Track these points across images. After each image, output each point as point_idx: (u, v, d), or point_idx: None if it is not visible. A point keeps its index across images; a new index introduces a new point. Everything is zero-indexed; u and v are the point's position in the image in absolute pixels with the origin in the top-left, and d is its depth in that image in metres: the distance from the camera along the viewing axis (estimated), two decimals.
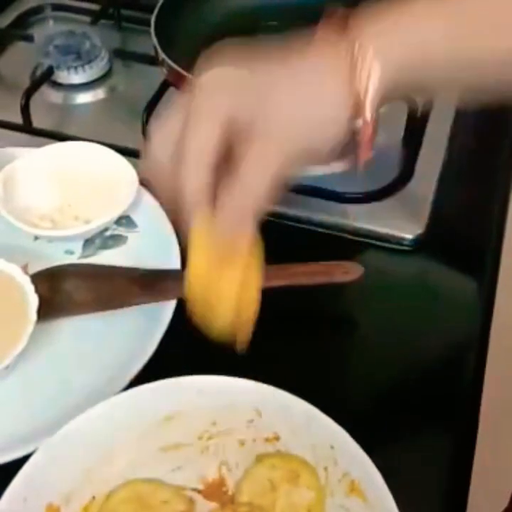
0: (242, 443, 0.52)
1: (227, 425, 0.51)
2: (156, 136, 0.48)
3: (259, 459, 0.51)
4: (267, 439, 0.51)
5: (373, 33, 0.45)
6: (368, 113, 0.45)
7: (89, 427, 0.49)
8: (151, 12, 0.79)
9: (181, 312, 0.62)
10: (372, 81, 0.44)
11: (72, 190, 0.71)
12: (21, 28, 0.98)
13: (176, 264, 0.65)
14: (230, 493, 0.51)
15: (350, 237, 0.69)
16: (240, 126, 0.45)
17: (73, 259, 0.68)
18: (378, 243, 0.70)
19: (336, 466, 0.48)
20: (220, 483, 0.52)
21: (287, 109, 0.45)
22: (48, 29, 0.97)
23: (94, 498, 0.50)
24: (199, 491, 0.51)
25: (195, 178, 0.46)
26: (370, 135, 0.45)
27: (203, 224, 0.48)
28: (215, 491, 0.51)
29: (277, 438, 0.51)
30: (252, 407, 0.50)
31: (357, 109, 0.45)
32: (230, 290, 0.49)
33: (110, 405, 0.50)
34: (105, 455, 0.50)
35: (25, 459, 0.48)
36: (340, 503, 0.48)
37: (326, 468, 0.49)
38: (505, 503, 0.98)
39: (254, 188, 0.45)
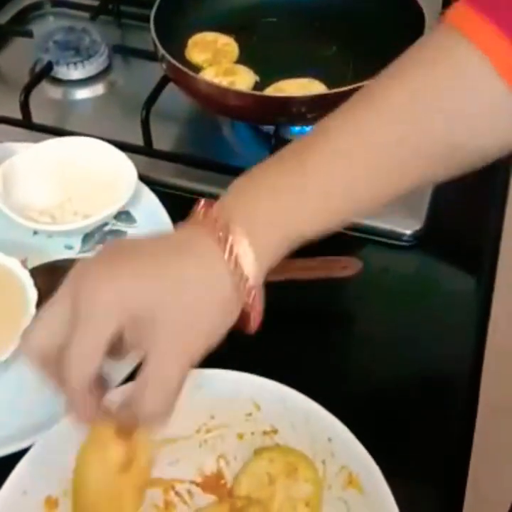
0: (240, 436, 0.52)
1: (226, 418, 0.52)
2: (36, 332, 0.44)
3: (258, 452, 0.52)
4: (265, 433, 0.51)
5: (242, 219, 0.44)
6: (251, 297, 0.44)
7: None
8: (150, 8, 0.79)
9: None
10: (249, 269, 0.43)
11: (72, 185, 0.71)
12: (21, 24, 0.98)
13: None
14: (228, 486, 0.52)
15: (349, 232, 0.70)
16: (131, 332, 0.43)
17: (72, 254, 0.68)
18: (377, 238, 0.70)
19: (334, 459, 0.49)
20: (218, 476, 0.52)
21: (181, 324, 0.43)
22: (48, 25, 0.97)
23: None
24: (197, 484, 0.52)
25: (82, 403, 0.44)
26: (258, 310, 0.45)
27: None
28: (213, 483, 0.52)
29: (275, 431, 0.51)
30: (251, 400, 0.51)
31: (241, 293, 0.44)
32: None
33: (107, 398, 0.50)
34: None
35: (23, 452, 0.49)
36: (338, 495, 0.48)
37: (323, 461, 0.49)
38: (505, 502, 0.98)
39: (157, 413, 0.44)
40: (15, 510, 0.47)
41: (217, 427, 0.52)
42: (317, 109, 0.72)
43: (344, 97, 0.70)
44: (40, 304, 0.59)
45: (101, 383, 0.45)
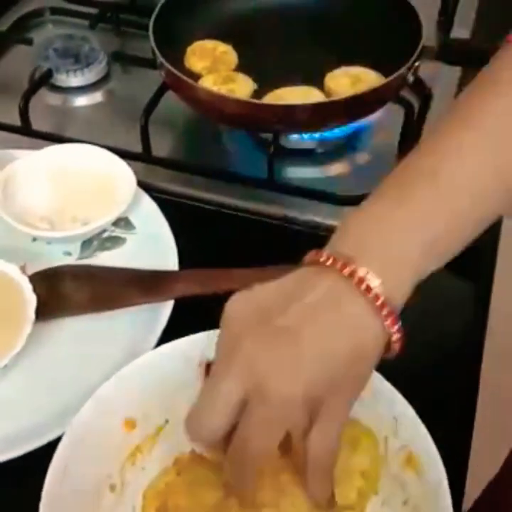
0: None
1: None
2: (210, 411, 0.44)
3: None
4: None
5: (380, 267, 0.44)
6: (398, 335, 0.44)
7: (169, 360, 0.52)
8: (149, 16, 0.79)
9: (179, 313, 0.62)
10: (392, 316, 0.43)
11: (71, 191, 0.71)
12: (20, 31, 0.98)
13: (173, 265, 0.66)
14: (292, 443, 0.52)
15: None
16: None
17: (71, 260, 0.69)
18: None
19: (396, 437, 0.49)
20: (287, 436, 0.52)
21: (347, 387, 0.44)
22: (47, 32, 0.98)
23: (167, 421, 0.53)
24: None
25: (250, 484, 0.46)
26: (402, 343, 0.45)
27: None
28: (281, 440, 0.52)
29: None
30: None
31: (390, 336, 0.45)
32: None
33: (197, 342, 0.52)
34: (183, 386, 0.51)
35: (26, 455, 0.49)
36: (395, 473, 0.49)
37: (386, 438, 0.50)
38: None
39: (326, 466, 0.46)
40: (96, 424, 0.49)
41: None
42: (316, 116, 0.72)
43: (342, 105, 0.71)
44: (38, 309, 0.59)
45: None
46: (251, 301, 0.45)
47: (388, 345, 0.45)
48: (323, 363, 0.43)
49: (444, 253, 0.47)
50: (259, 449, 0.44)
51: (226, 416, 0.43)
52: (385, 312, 0.43)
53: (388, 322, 0.43)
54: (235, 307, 0.45)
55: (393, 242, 0.45)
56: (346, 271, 0.43)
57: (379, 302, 0.43)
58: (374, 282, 0.43)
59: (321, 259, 0.45)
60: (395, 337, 0.44)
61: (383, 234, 0.45)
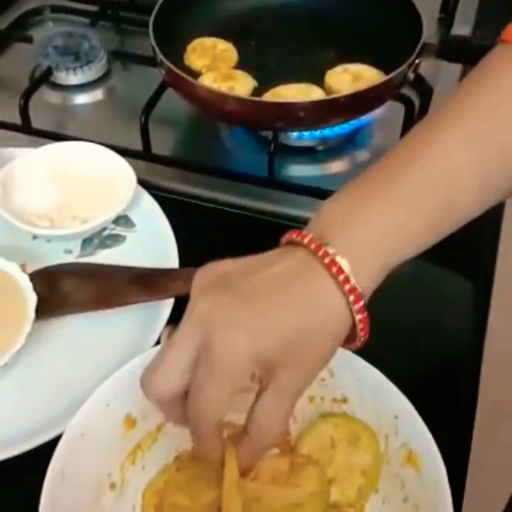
0: (311, 399, 0.53)
1: None
2: (163, 367, 0.44)
3: (324, 416, 0.53)
4: (335, 400, 0.52)
5: (346, 246, 0.44)
6: (362, 319, 0.44)
7: None
8: (149, 14, 0.79)
9: (179, 310, 0.62)
10: (363, 293, 0.44)
11: (71, 189, 0.71)
12: (20, 29, 0.98)
13: (173, 263, 0.66)
14: (292, 443, 0.53)
15: None
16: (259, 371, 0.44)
17: (71, 259, 0.68)
18: None
19: (397, 436, 0.49)
20: (285, 432, 0.53)
21: (304, 356, 0.44)
22: (47, 30, 0.97)
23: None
24: None
25: (210, 445, 0.46)
26: (365, 327, 0.45)
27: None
28: None
29: (345, 400, 0.52)
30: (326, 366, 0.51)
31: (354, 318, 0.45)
32: None
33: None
34: None
35: (27, 453, 0.49)
36: (396, 471, 0.49)
37: (386, 437, 0.50)
38: (502, 504, 0.98)
39: (270, 441, 0.46)
40: (96, 421, 0.49)
41: None
42: (315, 114, 0.72)
43: (342, 102, 0.71)
44: (39, 308, 0.59)
45: None
46: (218, 268, 0.46)
47: (354, 329, 0.45)
48: (276, 328, 0.43)
49: (420, 241, 0.47)
50: (210, 404, 0.43)
51: (179, 372, 0.43)
52: (347, 287, 0.43)
53: (351, 299, 0.43)
54: (201, 274, 0.46)
55: (365, 224, 0.45)
56: (313, 246, 0.44)
57: (342, 277, 0.43)
58: (339, 259, 0.43)
59: (294, 236, 0.45)
60: (358, 317, 0.44)
61: (356, 215, 0.45)
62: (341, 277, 0.43)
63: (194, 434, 0.45)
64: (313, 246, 0.44)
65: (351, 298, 0.43)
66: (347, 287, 0.43)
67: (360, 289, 0.43)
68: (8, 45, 0.95)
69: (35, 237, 0.69)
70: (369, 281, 0.45)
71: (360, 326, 0.44)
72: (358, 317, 0.44)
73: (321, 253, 0.44)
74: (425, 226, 0.47)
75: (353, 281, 0.43)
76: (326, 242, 0.44)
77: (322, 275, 0.44)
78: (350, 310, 0.44)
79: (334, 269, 0.43)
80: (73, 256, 0.69)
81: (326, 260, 0.43)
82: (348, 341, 0.45)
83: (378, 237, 0.45)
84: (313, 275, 0.44)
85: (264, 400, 0.44)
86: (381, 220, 0.45)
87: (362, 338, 0.45)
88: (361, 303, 0.44)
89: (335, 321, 0.44)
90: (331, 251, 0.44)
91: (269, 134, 0.76)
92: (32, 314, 0.59)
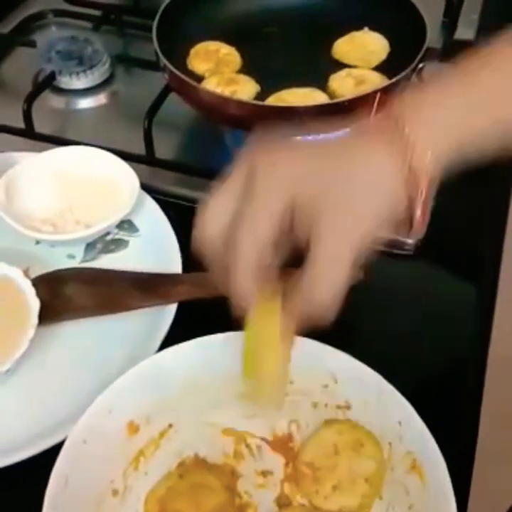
0: (314, 405, 0.53)
1: (304, 386, 0.53)
2: (210, 210, 0.47)
3: (328, 422, 0.53)
4: (338, 406, 0.53)
5: (419, 123, 0.45)
6: (421, 202, 0.45)
7: (173, 364, 0.52)
8: (153, 18, 0.80)
9: (182, 316, 0.62)
10: (424, 171, 0.44)
11: (74, 194, 0.71)
12: (24, 33, 0.98)
13: (177, 268, 0.66)
14: (295, 449, 0.53)
15: None
16: (300, 213, 0.45)
17: (75, 264, 0.68)
18: (379, 248, 0.70)
19: (401, 442, 0.49)
20: (288, 438, 0.53)
21: (350, 205, 0.44)
22: (50, 35, 0.97)
23: (170, 425, 0.53)
24: (267, 441, 0.53)
25: (244, 284, 0.46)
26: (424, 214, 0.46)
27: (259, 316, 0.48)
28: (282, 444, 0.53)
29: (348, 407, 0.52)
30: (330, 373, 0.52)
31: (412, 199, 0.45)
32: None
33: (202, 345, 0.52)
34: (187, 390, 0.52)
35: (31, 459, 0.49)
36: (400, 479, 0.49)
37: (390, 444, 0.50)
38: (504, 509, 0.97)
39: (325, 299, 0.45)
40: (99, 427, 0.49)
41: (295, 393, 0.53)
42: (319, 118, 0.72)
43: (346, 106, 0.71)
44: (42, 313, 0.59)
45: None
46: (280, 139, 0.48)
47: (411, 216, 0.45)
48: (317, 170, 0.45)
49: (489, 122, 0.47)
50: (249, 227, 0.44)
51: (227, 206, 0.46)
52: (413, 163, 0.44)
53: (412, 177, 0.44)
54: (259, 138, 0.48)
55: (436, 105, 0.46)
56: (390, 127, 0.45)
57: (408, 155, 0.44)
58: (411, 140, 0.44)
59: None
60: (420, 199, 0.44)
61: (429, 100, 0.47)
62: (408, 155, 0.44)
63: (232, 275, 0.45)
64: (390, 128, 0.45)
65: (413, 176, 0.44)
66: (413, 163, 0.44)
67: (424, 172, 0.44)
68: (11, 50, 0.95)
69: (38, 242, 0.69)
70: (434, 167, 0.45)
71: (420, 212, 0.45)
72: (420, 198, 0.44)
73: (394, 134, 0.44)
74: (492, 118, 0.47)
75: (418, 162, 0.44)
76: (401, 122, 0.45)
77: (381, 141, 0.45)
78: (411, 186, 0.44)
79: (401, 145, 0.44)
80: (76, 261, 0.69)
81: (397, 139, 0.44)
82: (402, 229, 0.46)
83: (449, 111, 0.46)
84: (371, 141, 0.45)
85: (313, 250, 0.44)
86: (452, 98, 0.47)
87: (418, 229, 0.47)
88: (425, 182, 0.44)
89: (384, 184, 0.45)
90: (404, 131, 0.44)
91: None
92: (35, 320, 0.59)
